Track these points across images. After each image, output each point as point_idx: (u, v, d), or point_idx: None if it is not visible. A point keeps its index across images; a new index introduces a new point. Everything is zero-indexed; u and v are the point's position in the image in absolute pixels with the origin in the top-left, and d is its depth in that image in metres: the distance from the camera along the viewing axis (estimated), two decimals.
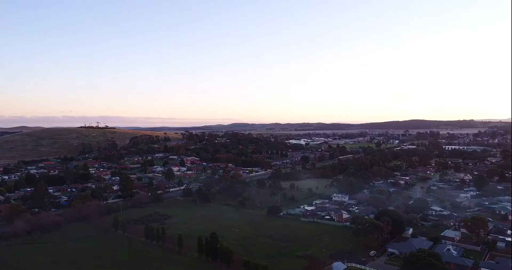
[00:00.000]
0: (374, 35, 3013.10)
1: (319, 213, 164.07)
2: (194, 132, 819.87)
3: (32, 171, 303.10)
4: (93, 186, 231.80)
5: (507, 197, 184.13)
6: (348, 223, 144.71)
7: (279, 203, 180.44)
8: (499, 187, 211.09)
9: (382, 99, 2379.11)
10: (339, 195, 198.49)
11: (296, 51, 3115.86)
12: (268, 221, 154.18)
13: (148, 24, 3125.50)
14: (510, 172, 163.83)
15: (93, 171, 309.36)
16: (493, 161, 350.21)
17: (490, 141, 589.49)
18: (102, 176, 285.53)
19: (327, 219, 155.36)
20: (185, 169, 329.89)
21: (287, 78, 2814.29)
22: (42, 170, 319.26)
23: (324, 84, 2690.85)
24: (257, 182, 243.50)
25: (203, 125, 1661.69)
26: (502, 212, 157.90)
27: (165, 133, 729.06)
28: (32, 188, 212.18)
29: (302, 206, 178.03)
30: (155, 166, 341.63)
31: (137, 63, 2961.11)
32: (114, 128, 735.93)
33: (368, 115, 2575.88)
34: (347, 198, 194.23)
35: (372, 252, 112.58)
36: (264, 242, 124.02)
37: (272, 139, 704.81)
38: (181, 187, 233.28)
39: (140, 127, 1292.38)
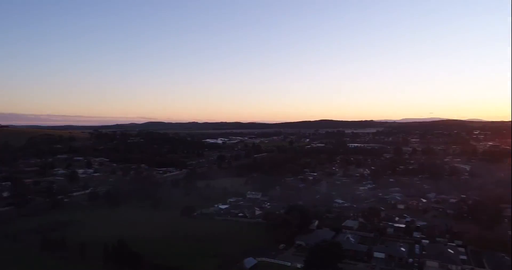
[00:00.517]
0: (293, 37, 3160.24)
1: (233, 211, 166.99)
2: (104, 131, 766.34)
3: None
4: None
5: (396, 188, 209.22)
6: (260, 219, 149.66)
7: (194, 203, 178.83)
8: (391, 179, 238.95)
9: (295, 100, 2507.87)
10: (253, 193, 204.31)
11: (210, 51, 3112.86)
12: (182, 222, 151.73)
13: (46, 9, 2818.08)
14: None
15: None
16: (388, 157, 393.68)
17: (386, 139, 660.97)
18: None
19: (240, 216, 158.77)
20: (92, 171, 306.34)
21: (204, 76, 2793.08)
22: None
23: (240, 84, 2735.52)
24: (172, 182, 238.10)
25: (115, 123, 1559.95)
26: (392, 202, 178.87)
27: (69, 132, 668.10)
28: None
29: (216, 205, 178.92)
30: (57, 169, 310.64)
31: (34, 52, 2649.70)
32: (7, 126, 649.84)
33: (282, 115, 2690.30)
34: (260, 195, 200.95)
35: (282, 245, 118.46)
36: (178, 243, 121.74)
37: (189, 139, 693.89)
38: (87, 191, 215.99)
39: (40, 126, 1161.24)
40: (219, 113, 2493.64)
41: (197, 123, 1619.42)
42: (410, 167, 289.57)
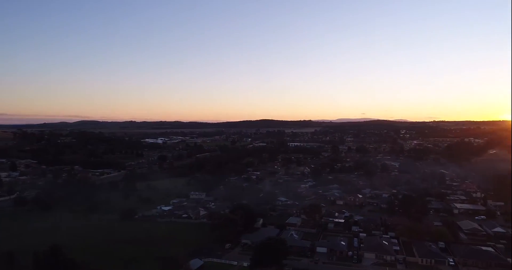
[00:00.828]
0: (232, 35, 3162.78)
1: (177, 212, 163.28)
2: (29, 130, 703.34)
3: None
4: None
5: (335, 185, 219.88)
6: (205, 220, 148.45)
7: (135, 205, 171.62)
8: (329, 177, 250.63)
9: (236, 100, 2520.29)
10: (197, 193, 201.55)
11: (153, 47, 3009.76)
12: (122, 225, 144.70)
13: None
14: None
15: None
16: (326, 155, 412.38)
17: (324, 139, 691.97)
18: None
19: (184, 217, 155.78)
20: (17, 174, 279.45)
21: (142, 74, 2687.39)
22: None
23: (180, 83, 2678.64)
24: (110, 184, 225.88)
25: (42, 122, 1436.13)
26: (331, 198, 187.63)
27: None
28: None
29: (159, 207, 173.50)
30: None
31: None
32: None
33: (224, 115, 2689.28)
34: (205, 195, 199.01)
35: (228, 245, 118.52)
36: (118, 248, 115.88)
37: (127, 138, 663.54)
38: (12, 196, 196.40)
39: None
40: (159, 112, 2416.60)
41: (135, 122, 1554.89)
42: (347, 165, 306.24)
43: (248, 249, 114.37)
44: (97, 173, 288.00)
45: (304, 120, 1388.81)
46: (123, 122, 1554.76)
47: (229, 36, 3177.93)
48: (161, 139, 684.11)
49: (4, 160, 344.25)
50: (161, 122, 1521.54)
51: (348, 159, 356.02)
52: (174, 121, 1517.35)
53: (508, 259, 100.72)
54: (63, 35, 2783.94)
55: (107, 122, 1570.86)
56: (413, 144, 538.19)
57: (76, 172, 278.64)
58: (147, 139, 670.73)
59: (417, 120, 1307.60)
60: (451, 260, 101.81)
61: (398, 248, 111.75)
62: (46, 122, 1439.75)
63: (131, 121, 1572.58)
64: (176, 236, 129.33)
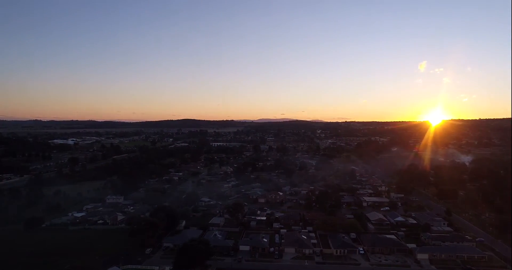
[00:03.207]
0: (151, 36, 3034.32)
1: (91, 218, 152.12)
2: None
3: None
4: None
5: (257, 184, 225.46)
6: (124, 225, 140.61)
7: (41, 213, 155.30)
8: (252, 176, 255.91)
9: (156, 98, 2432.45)
10: (114, 197, 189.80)
11: (51, 37, 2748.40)
12: (26, 236, 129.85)
13: None
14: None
15: None
16: (248, 154, 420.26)
17: (246, 138, 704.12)
18: None
19: (100, 223, 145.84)
20: None
21: (48, 65, 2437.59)
22: None
23: (95, 78, 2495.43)
24: (9, 191, 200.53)
25: None
26: (254, 197, 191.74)
27: None
28: None
29: (70, 214, 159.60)
30: None
31: None
32: None
33: (143, 114, 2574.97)
34: (122, 199, 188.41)
35: (148, 250, 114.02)
36: (20, 262, 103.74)
37: (31, 139, 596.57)
38: None
39: None
40: (69, 110, 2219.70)
41: (40, 121, 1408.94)
42: (268, 164, 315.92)
43: (170, 252, 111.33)
44: None
45: (226, 120, 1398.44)
46: (26, 121, 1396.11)
47: (153, 33, 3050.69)
48: (72, 140, 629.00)
49: None
50: (72, 121, 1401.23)
51: (269, 158, 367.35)
52: (87, 120, 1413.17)
53: (407, 244, 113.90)
54: None
55: (6, 121, 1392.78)
56: (328, 143, 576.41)
57: None
58: (55, 140, 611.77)
59: (331, 121, 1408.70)
60: (361, 249, 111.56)
61: (315, 241, 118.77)
62: None
63: (36, 119, 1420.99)
64: (91, 245, 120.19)
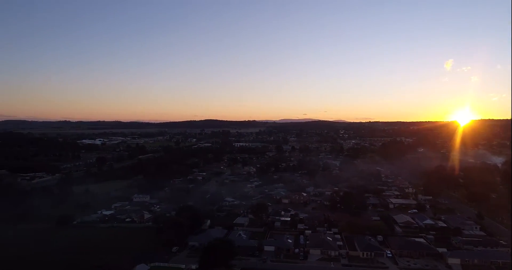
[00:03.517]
0: (185, 37, 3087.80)
1: (119, 216, 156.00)
2: None
3: None
4: None
5: (280, 184, 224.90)
6: (151, 223, 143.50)
7: (72, 211, 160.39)
8: (275, 176, 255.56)
9: (180, 99, 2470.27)
10: (140, 196, 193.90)
11: (91, 44, 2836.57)
12: (58, 233, 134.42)
13: None
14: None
15: None
16: (270, 155, 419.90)
17: (268, 139, 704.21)
18: None
19: (128, 221, 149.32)
20: None
21: (76, 68, 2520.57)
22: None
23: (120, 81, 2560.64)
24: (42, 189, 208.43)
25: None
26: (277, 197, 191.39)
27: None
28: None
29: (99, 212, 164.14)
30: None
31: None
32: None
33: (166, 114, 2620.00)
34: (149, 197, 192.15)
35: (175, 248, 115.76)
36: (52, 258, 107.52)
37: (61, 139, 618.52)
38: None
39: None
40: (96, 111, 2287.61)
41: (69, 121, 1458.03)
42: (291, 164, 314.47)
43: (195, 251, 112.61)
44: (27, 178, 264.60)
45: (248, 121, 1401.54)
46: (55, 121, 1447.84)
47: (172, 36, 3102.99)
48: (100, 140, 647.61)
49: None
50: (98, 122, 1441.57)
51: (292, 159, 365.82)
52: (114, 121, 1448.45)
53: (437, 249, 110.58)
54: None
55: (37, 121, 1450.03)
56: (351, 143, 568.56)
57: (1, 177, 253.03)
58: (84, 140, 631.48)
59: (354, 121, 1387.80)
60: (389, 252, 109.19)
61: (341, 243, 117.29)
62: None
63: (65, 120, 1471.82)
64: (119, 242, 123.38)
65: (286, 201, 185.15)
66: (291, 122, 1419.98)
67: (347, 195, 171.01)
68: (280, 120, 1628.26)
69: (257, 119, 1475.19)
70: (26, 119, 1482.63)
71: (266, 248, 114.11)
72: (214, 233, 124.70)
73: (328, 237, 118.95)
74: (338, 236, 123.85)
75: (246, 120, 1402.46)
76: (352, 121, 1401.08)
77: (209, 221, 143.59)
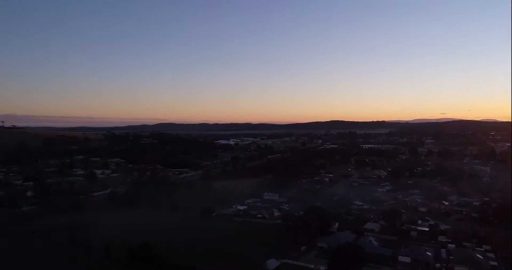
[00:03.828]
0: (297, 35, 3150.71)
1: (251, 212, 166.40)
2: (117, 132, 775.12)
3: None
4: (2, 193, 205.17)
5: (416, 191, 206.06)
6: (280, 221, 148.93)
7: (211, 204, 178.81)
8: (409, 181, 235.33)
9: (305, 100, 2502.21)
10: (270, 194, 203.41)
11: (220, 52, 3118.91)
12: (201, 222, 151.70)
13: (59, 17, 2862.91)
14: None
15: (1, 177, 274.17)
16: (403, 158, 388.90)
17: (400, 140, 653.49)
18: (11, 181, 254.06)
19: (259, 217, 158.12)
20: (109, 171, 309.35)
21: (213, 77, 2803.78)
22: None
23: (249, 84, 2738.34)
24: (188, 183, 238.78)
25: (127, 125, 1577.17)
26: (412, 204, 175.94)
27: (84, 133, 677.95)
28: None
29: (234, 206, 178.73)
30: (75, 169, 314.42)
31: (51, 57, 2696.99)
32: (23, 128, 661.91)
33: (292, 116, 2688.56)
34: (278, 196, 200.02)
35: (303, 247, 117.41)
36: (199, 244, 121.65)
37: (201, 140, 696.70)
38: (106, 191, 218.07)
39: (55, 127, 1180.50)
40: (229, 114, 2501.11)
41: (207, 124, 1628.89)
42: (428, 169, 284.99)
43: (324, 253, 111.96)
44: (177, 172, 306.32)
45: (377, 121, 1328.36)
46: (197, 124, 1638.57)
47: (304, 37, 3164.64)
48: (233, 141, 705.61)
49: (98, 159, 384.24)
50: (231, 124, 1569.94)
51: (428, 163, 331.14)
52: (244, 123, 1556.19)
53: None
54: (147, 45, 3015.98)
55: (182, 124, 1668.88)
56: (505, 146, 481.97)
57: (158, 171, 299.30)
58: (220, 141, 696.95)
59: (507, 120, 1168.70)
60: None
61: (496, 263, 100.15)
62: (130, 125, 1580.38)
63: (204, 123, 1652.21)
64: (252, 236, 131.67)
65: (423, 209, 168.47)
66: (427, 122, 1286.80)
67: (503, 207, 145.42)
68: (413, 120, 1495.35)
69: (386, 119, 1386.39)
70: (174, 122, 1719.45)
71: (401, 258, 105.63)
72: (343, 237, 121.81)
73: (478, 255, 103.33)
74: (492, 255, 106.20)
75: (375, 120, 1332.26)
76: (506, 120, 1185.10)
77: (337, 224, 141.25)
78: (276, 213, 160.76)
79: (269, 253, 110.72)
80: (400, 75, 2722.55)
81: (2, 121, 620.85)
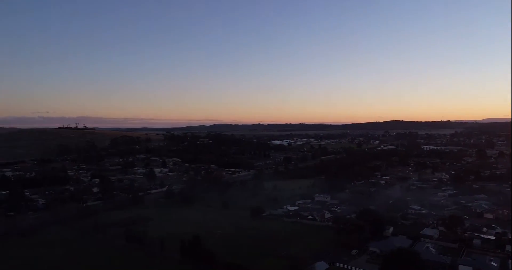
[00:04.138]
0: (354, 36, 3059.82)
1: (302, 213, 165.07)
2: (176, 133, 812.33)
3: (7, 174, 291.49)
4: (72, 189, 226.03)
5: (482, 196, 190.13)
6: (331, 223, 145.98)
7: (262, 204, 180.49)
8: (475, 186, 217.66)
9: (362, 100, 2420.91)
10: (322, 195, 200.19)
11: (276, 51, 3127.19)
12: (251, 222, 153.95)
13: (129, 23, 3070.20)
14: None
15: (72, 173, 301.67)
16: (469, 160, 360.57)
17: (466, 141, 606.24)
18: (81, 178, 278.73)
19: (309, 219, 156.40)
20: (167, 170, 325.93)
21: (268, 79, 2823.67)
22: (18, 172, 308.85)
23: (305, 85, 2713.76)
24: (240, 183, 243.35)
25: (185, 125, 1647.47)
26: (477, 210, 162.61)
27: (146, 134, 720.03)
28: (7, 191, 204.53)
29: (285, 207, 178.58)
30: (136, 168, 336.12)
31: (116, 63, 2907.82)
32: (93, 129, 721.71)
33: (348, 116, 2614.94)
34: (329, 198, 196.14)
35: (354, 251, 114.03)
36: (247, 243, 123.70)
37: (255, 140, 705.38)
38: (163, 189, 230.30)
39: (120, 128, 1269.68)
40: (284, 115, 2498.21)
41: (262, 124, 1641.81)
42: (498, 173, 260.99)
43: (376, 258, 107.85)
44: (230, 172, 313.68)
45: (441, 121, 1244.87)
46: (251, 124, 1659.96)
47: (357, 34, 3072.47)
48: (286, 141, 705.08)
49: (157, 158, 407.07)
50: (286, 124, 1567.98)
51: (499, 166, 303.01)
52: (299, 123, 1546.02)
53: None
54: (203, 47, 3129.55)
55: (237, 125, 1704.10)
56: None
57: (212, 170, 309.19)
58: (273, 141, 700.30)
59: None
60: None
61: None
62: (189, 125, 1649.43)
63: (259, 123, 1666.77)
64: (301, 237, 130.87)
65: (489, 216, 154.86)
66: (499, 122, 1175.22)
67: None
68: (483, 119, 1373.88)
69: (452, 119, 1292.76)
70: (230, 123, 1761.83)
71: (461, 267, 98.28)
72: (397, 242, 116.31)
73: None
74: None
75: (438, 120, 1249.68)
76: None
77: (391, 228, 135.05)
78: (327, 215, 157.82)
79: (318, 256, 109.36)
80: (468, 71, 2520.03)
81: (76, 123, 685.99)
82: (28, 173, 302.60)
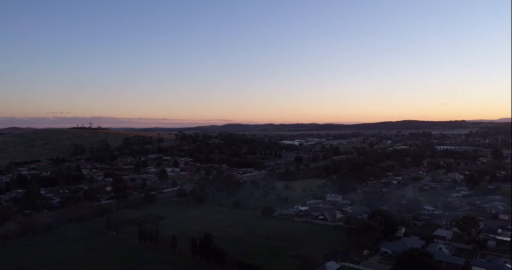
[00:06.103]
0: (366, 35, 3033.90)
1: (313, 213, 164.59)
2: (187, 132, 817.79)
3: (24, 172, 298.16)
4: (86, 187, 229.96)
5: (498, 197, 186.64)
6: (342, 223, 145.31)
7: (273, 204, 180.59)
8: (490, 186, 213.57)
9: (374, 100, 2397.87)
10: (333, 195, 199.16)
11: (288, 52, 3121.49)
12: (262, 221, 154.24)
13: (142, 24, 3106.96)
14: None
15: (86, 172, 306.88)
16: (484, 161, 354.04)
17: (481, 142, 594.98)
18: (95, 177, 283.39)
19: (320, 219, 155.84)
20: (178, 170, 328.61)
21: (280, 79, 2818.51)
22: (34, 171, 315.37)
23: (317, 85, 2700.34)
24: (251, 182, 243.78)
25: (197, 125, 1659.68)
26: (493, 211, 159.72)
27: (158, 134, 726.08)
28: (24, 190, 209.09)
29: (296, 206, 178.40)
30: (149, 167, 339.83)
31: (130, 64, 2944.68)
32: (107, 129, 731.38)
33: (360, 116, 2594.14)
34: (341, 198, 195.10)
35: (365, 252, 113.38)
36: (257, 242, 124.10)
37: (266, 140, 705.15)
38: (175, 188, 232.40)
39: (133, 128, 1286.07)
40: (295, 115, 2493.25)
41: (273, 124, 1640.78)
42: None
43: (387, 258, 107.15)
44: (241, 172, 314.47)
45: (455, 121, 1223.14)
46: (262, 124, 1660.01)
47: (369, 35, 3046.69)
48: (298, 141, 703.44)
49: (169, 157, 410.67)
50: (297, 124, 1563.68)
51: None
52: (310, 123, 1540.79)
53: None
54: (212, 48, 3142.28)
55: (249, 125, 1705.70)
56: None
57: (223, 170, 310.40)
58: (284, 141, 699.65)
59: None
60: None
61: None
62: (200, 125, 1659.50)
63: (270, 123, 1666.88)
64: (311, 237, 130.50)
65: (505, 217, 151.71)
66: None
67: None
68: (499, 119, 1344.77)
69: (466, 118, 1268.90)
70: (241, 123, 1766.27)
71: (475, 269, 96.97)
72: (410, 243, 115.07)
73: None
74: None
75: (452, 120, 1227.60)
76: None
77: (404, 229, 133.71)
78: (339, 215, 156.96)
79: (328, 255, 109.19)
80: (484, 70, 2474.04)
81: (90, 123, 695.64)
82: (43, 172, 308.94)
